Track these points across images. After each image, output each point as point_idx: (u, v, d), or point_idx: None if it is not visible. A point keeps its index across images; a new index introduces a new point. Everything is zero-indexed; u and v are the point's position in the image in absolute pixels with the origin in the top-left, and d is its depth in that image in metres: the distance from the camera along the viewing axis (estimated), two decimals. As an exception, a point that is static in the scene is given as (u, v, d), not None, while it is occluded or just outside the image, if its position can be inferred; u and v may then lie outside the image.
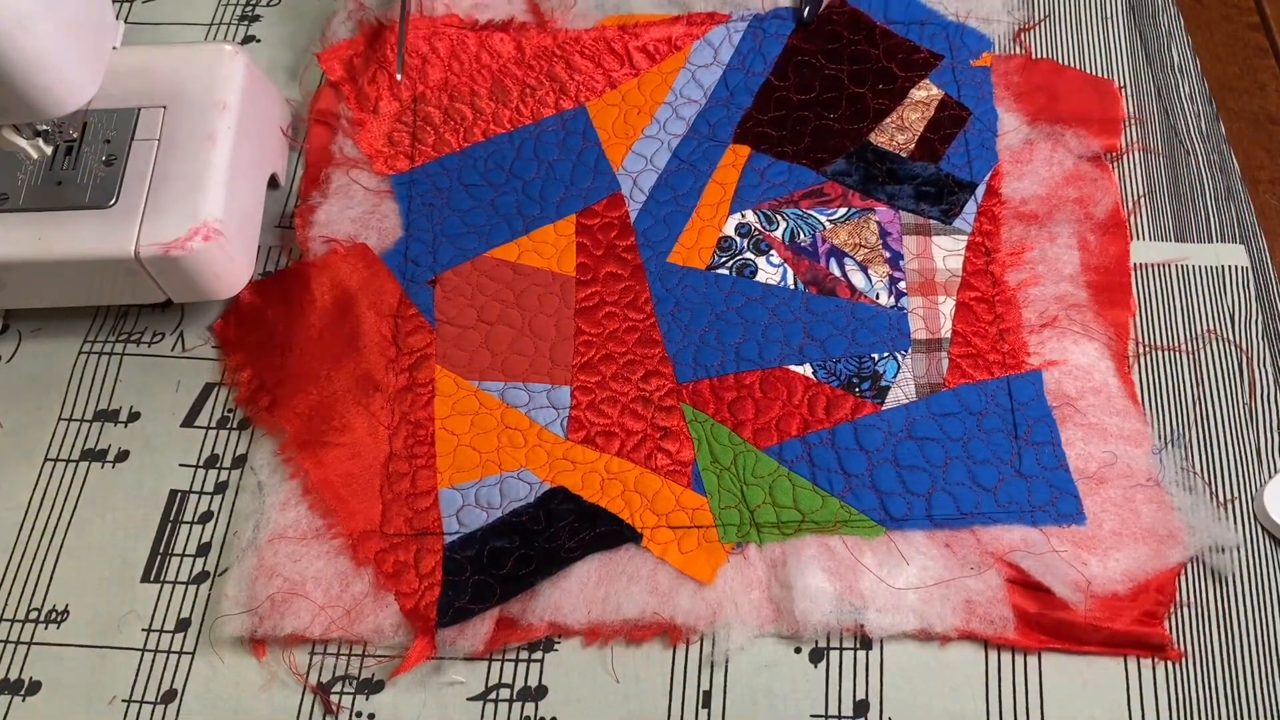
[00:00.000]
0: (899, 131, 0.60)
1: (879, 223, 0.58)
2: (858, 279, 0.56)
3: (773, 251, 0.57)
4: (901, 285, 0.56)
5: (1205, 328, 0.55)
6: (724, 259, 0.57)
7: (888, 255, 0.57)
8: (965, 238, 0.57)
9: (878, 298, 0.56)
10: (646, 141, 0.61)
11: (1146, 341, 0.55)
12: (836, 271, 0.57)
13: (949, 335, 0.54)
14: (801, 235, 0.58)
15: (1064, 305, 0.55)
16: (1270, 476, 0.51)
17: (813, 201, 0.59)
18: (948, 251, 0.57)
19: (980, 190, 0.58)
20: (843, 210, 0.58)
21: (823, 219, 0.58)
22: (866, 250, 0.57)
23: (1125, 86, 0.63)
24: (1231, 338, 0.55)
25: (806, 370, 0.54)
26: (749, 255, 0.57)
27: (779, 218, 0.58)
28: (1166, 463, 0.51)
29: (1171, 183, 0.60)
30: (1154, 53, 0.64)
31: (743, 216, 0.58)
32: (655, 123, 0.62)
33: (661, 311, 0.56)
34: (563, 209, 0.59)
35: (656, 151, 0.61)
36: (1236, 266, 0.57)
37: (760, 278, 0.56)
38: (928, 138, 0.60)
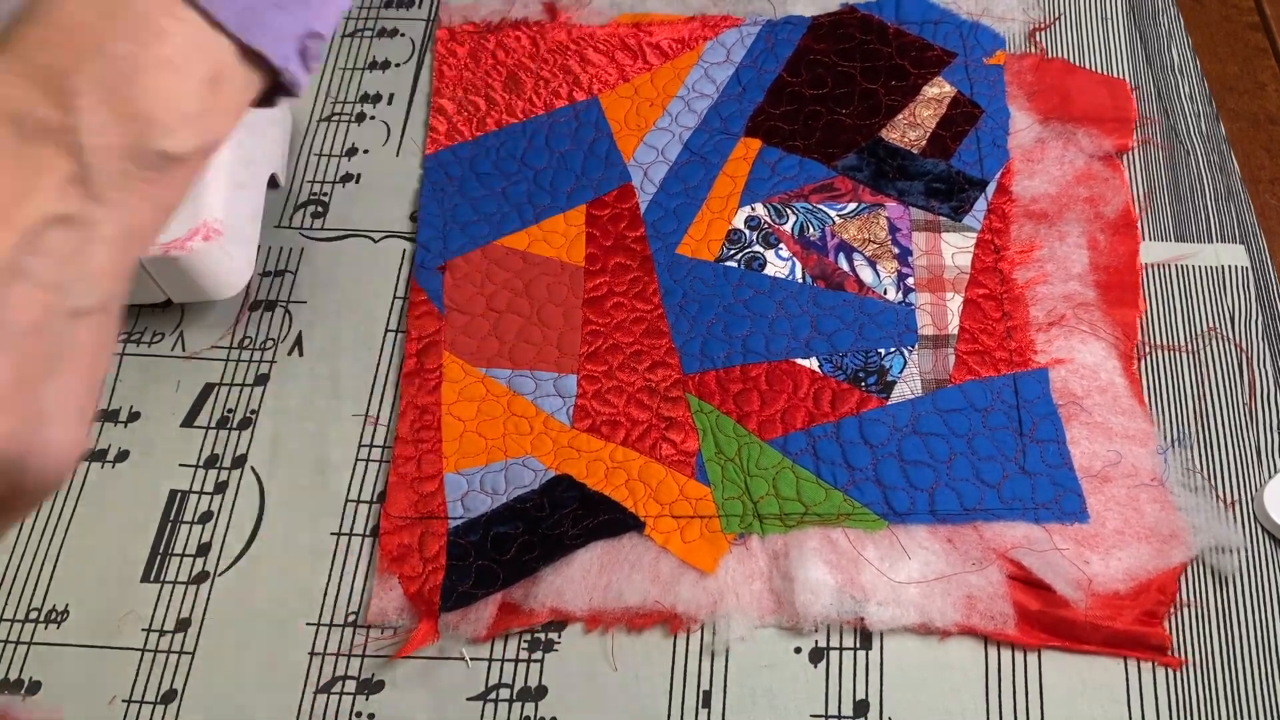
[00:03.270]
0: (911, 128, 0.60)
1: (888, 218, 0.58)
2: (866, 274, 0.56)
3: (782, 245, 0.57)
4: (910, 281, 0.56)
5: (1206, 326, 0.55)
6: (733, 251, 0.57)
7: (896, 251, 0.57)
8: (975, 235, 0.57)
9: (885, 293, 0.56)
10: (658, 133, 0.61)
11: (1147, 341, 0.55)
12: (845, 266, 0.56)
13: (956, 332, 0.54)
14: (811, 229, 0.58)
15: (1072, 304, 0.55)
16: (1270, 476, 0.51)
17: (823, 196, 0.58)
18: (957, 248, 0.57)
19: (991, 188, 0.58)
20: (853, 205, 0.58)
21: (832, 214, 0.58)
22: (875, 245, 0.57)
23: (1125, 86, 0.63)
24: (1232, 337, 0.55)
25: (813, 364, 0.53)
26: (758, 248, 0.57)
27: (789, 211, 0.58)
28: (1171, 462, 0.51)
29: (1171, 183, 0.60)
30: (1154, 53, 0.64)
31: (752, 210, 0.58)
32: (667, 115, 0.61)
33: (669, 303, 0.55)
34: (573, 199, 0.59)
35: (668, 143, 0.61)
36: (1236, 266, 0.57)
37: (769, 271, 0.56)
38: (939, 134, 0.60)
